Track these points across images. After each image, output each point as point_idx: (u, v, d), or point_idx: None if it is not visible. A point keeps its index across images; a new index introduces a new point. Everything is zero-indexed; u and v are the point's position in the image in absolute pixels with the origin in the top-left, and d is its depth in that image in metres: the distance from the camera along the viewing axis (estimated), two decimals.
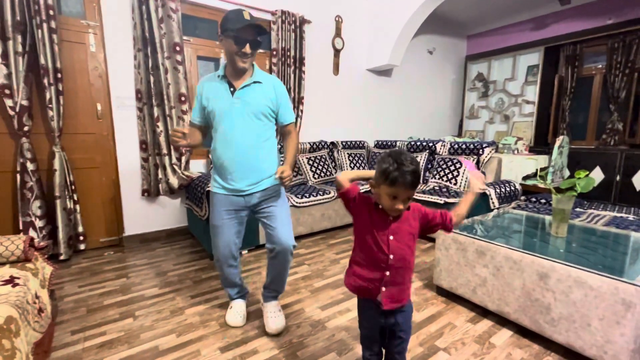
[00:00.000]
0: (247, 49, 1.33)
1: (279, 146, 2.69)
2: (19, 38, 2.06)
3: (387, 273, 0.95)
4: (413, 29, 3.66)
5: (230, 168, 1.43)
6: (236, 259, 1.57)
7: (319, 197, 2.83)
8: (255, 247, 2.58)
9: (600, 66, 4.15)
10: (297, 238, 2.83)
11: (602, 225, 2.00)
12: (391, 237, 0.94)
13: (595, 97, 4.24)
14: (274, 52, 3.16)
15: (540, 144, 4.50)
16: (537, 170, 3.49)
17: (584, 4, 4.03)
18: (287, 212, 1.54)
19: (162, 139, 2.60)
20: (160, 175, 2.69)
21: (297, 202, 2.68)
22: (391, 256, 0.94)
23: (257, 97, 1.42)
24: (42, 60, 2.13)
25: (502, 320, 1.61)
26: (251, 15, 1.33)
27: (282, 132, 1.56)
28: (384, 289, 0.96)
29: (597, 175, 3.85)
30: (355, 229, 1.03)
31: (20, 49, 2.06)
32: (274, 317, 1.55)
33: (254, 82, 1.42)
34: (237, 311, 1.61)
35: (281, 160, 2.47)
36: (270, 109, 1.46)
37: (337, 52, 3.75)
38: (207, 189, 2.23)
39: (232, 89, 1.42)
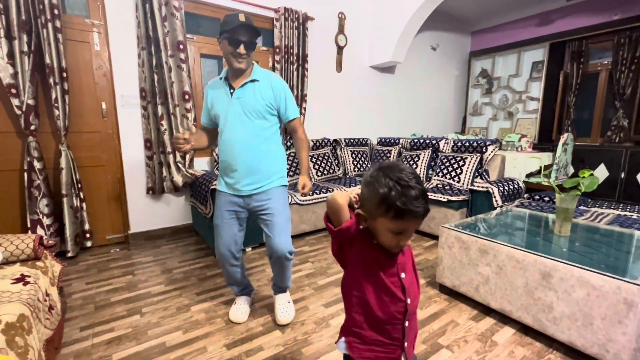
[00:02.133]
0: (242, 49, 1.36)
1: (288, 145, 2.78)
2: (25, 37, 2.07)
3: (407, 324, 0.73)
4: (417, 26, 3.64)
5: (231, 167, 1.48)
6: (237, 259, 1.59)
7: (322, 195, 2.84)
8: (259, 245, 2.60)
9: (606, 62, 4.11)
10: (301, 236, 2.85)
11: (605, 224, 2.00)
12: (403, 275, 0.73)
13: (601, 93, 4.20)
14: (277, 50, 3.16)
15: (544, 141, 4.48)
16: (541, 167, 3.48)
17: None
18: (287, 217, 1.56)
19: (166, 137, 2.61)
20: (164, 174, 2.71)
21: (300, 200, 2.70)
22: (408, 300, 0.73)
23: (255, 96, 1.44)
24: (48, 60, 2.14)
25: (504, 318, 1.62)
26: (247, 19, 1.36)
27: (288, 129, 1.59)
28: (406, 344, 0.75)
29: (602, 172, 3.83)
30: (351, 285, 0.75)
31: (25, 48, 2.08)
32: (282, 309, 1.63)
33: (251, 81, 1.45)
34: (239, 307, 1.65)
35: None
36: (269, 107, 1.47)
37: (340, 49, 3.74)
38: (212, 187, 2.25)
39: (231, 91, 1.46)
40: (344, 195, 0.70)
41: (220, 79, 1.50)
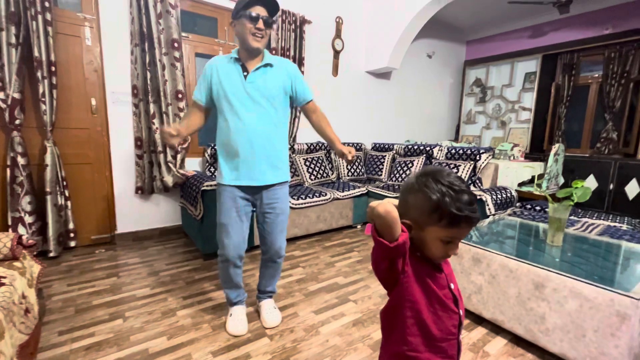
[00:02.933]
0: (261, 24, 1.32)
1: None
2: (13, 29, 2.01)
3: (461, 336, 0.72)
4: (413, 33, 3.66)
5: (242, 154, 1.40)
6: (242, 259, 1.54)
7: (315, 198, 2.81)
8: (250, 248, 2.55)
9: (596, 75, 4.19)
10: (293, 240, 2.81)
11: (596, 234, 2.01)
12: (452, 286, 0.71)
13: (591, 105, 4.27)
14: (273, 52, 3.13)
15: (536, 151, 4.53)
16: (533, 177, 3.51)
17: (582, 13, 4.06)
18: (287, 217, 1.58)
19: (157, 136, 2.56)
20: (154, 173, 2.65)
21: (293, 204, 2.66)
22: (461, 311, 0.71)
23: (270, 81, 1.41)
24: (36, 53, 2.08)
25: (496, 328, 1.61)
26: None
27: (307, 112, 1.55)
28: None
29: (591, 183, 3.88)
30: (403, 305, 0.68)
31: (13, 40, 2.01)
32: (269, 313, 1.61)
33: (266, 65, 1.41)
34: (239, 319, 1.55)
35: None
36: (284, 91, 1.45)
37: (336, 54, 3.74)
38: (202, 188, 2.20)
39: (245, 73, 1.39)
40: (393, 206, 0.60)
41: (231, 58, 1.41)
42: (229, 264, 1.50)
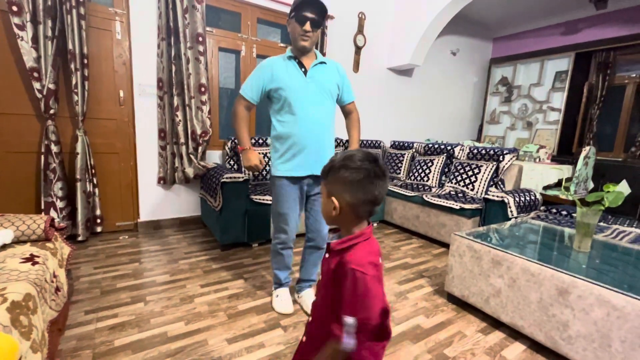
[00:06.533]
0: (308, 26, 1.39)
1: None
2: (49, 23, 2.11)
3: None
4: (437, 29, 3.57)
5: (306, 145, 1.48)
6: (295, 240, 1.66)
7: None
8: (266, 241, 2.59)
9: (634, 75, 3.96)
10: None
11: (627, 242, 1.90)
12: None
13: (627, 107, 4.04)
14: None
15: (564, 153, 4.34)
16: (560, 180, 3.37)
17: (620, 9, 3.84)
18: None
19: (180, 128, 2.63)
20: (176, 164, 2.72)
21: None
22: None
23: (327, 77, 1.51)
24: (70, 46, 2.18)
25: (514, 333, 1.56)
26: None
27: (346, 111, 1.65)
28: None
29: (624, 189, 3.68)
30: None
31: (49, 33, 2.11)
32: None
33: (321, 63, 1.51)
34: (286, 298, 1.68)
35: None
36: (337, 89, 1.56)
37: (358, 50, 3.70)
38: (222, 180, 2.24)
39: (302, 69, 1.48)
40: None
41: (286, 57, 1.49)
42: (285, 247, 1.61)
